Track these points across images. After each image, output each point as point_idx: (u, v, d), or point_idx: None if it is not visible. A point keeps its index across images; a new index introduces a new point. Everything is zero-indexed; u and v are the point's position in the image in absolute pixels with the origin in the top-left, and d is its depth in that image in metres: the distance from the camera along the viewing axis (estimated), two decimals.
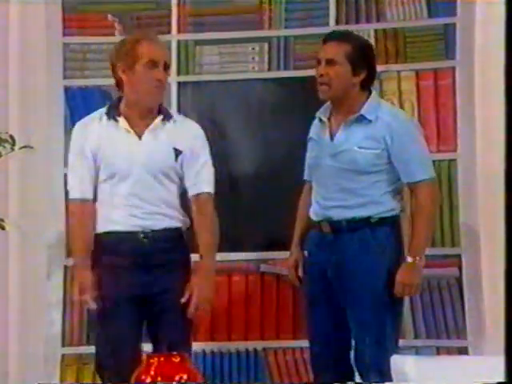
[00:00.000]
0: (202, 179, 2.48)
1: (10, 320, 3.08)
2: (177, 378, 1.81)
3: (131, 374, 1.96)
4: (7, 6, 3.13)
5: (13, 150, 2.70)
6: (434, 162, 2.98)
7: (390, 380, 2.05)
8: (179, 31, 3.16)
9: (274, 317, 3.04)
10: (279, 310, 3.05)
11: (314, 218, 2.57)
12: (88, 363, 3.07)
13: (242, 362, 3.05)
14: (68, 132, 3.14)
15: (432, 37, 3.03)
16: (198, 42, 3.16)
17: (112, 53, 2.51)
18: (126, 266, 2.41)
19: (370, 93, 2.58)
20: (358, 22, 3.08)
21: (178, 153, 2.45)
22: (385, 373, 2.18)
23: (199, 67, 3.17)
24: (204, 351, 3.05)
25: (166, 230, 2.43)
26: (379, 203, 2.49)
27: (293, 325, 3.03)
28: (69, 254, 3.10)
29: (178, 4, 3.16)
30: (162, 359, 1.87)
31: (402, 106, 3.04)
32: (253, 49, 3.14)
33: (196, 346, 3.03)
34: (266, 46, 3.13)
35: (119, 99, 2.52)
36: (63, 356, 3.07)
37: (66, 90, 3.16)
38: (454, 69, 2.99)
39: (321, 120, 2.59)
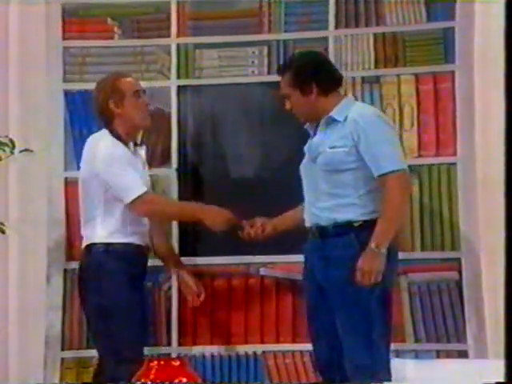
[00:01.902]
0: None
1: (10, 323, 3.08)
2: (176, 381, 1.81)
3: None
4: (7, 10, 3.14)
5: (12, 153, 2.70)
6: (433, 165, 3.02)
7: (383, 381, 2.06)
8: (179, 35, 3.16)
9: (274, 320, 3.04)
10: (279, 313, 3.05)
11: (305, 224, 2.61)
12: (88, 367, 3.07)
13: (242, 365, 3.05)
14: (68, 136, 3.16)
15: (431, 41, 3.04)
16: (197, 46, 3.17)
17: (99, 93, 2.78)
18: (134, 274, 2.71)
19: (344, 96, 2.65)
20: (357, 25, 3.09)
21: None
22: (375, 376, 2.18)
23: (199, 71, 3.17)
24: (204, 355, 3.06)
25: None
26: (358, 205, 2.50)
27: (292, 328, 3.02)
28: (68, 257, 3.12)
29: (178, 8, 3.17)
30: (161, 363, 1.87)
31: (401, 110, 3.04)
32: (252, 52, 3.14)
33: (196, 350, 3.04)
34: (265, 49, 3.13)
35: (111, 130, 2.75)
36: (63, 359, 3.07)
37: (66, 93, 3.17)
38: (453, 72, 3.00)
39: (309, 132, 2.69)
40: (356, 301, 2.46)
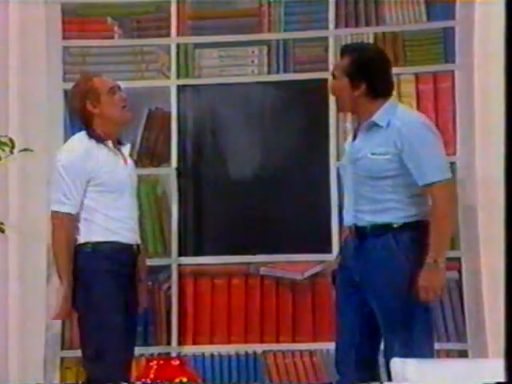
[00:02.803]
0: None
1: (10, 323, 3.08)
2: (176, 380, 1.81)
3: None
4: (7, 9, 3.13)
5: (12, 153, 2.70)
6: None
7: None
8: (179, 34, 3.16)
9: (274, 320, 3.04)
10: (279, 312, 3.04)
11: (344, 223, 2.62)
12: None
13: (242, 364, 3.04)
14: (67, 135, 3.16)
15: (431, 40, 3.03)
16: (197, 45, 3.16)
17: (74, 96, 2.77)
18: (123, 274, 2.63)
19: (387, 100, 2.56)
20: (357, 25, 3.08)
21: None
22: None
23: (199, 70, 3.17)
24: (203, 354, 3.05)
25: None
26: (399, 209, 2.48)
27: (292, 328, 3.02)
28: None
29: (178, 7, 3.16)
30: (161, 362, 1.87)
31: None
32: (252, 52, 3.14)
33: (196, 349, 3.03)
34: (265, 49, 3.13)
35: (90, 130, 2.71)
36: (63, 359, 3.07)
37: (66, 93, 3.16)
38: (453, 72, 2.99)
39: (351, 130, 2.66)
40: (397, 302, 2.44)
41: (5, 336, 3.06)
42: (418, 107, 3.03)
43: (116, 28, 3.18)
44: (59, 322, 3.06)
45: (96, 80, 2.75)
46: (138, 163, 3.09)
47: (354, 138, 2.57)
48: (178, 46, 3.15)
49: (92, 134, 2.70)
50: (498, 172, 2.85)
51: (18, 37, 3.12)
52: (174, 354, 2.99)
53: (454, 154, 2.98)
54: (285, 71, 3.11)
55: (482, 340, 2.85)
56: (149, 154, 3.15)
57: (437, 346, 2.67)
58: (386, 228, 2.47)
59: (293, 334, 3.02)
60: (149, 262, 3.07)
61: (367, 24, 3.07)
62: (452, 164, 2.98)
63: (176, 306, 3.04)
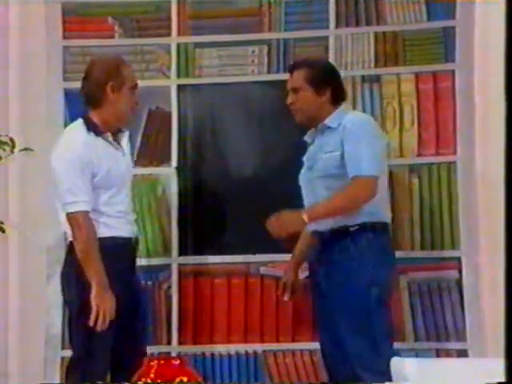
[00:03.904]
0: None
1: (10, 322, 3.08)
2: (177, 380, 1.81)
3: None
4: (7, 9, 3.14)
5: (13, 152, 2.70)
6: (433, 164, 3.02)
7: (390, 379, 2.07)
8: (179, 34, 3.16)
9: (274, 319, 3.04)
10: (279, 312, 3.04)
11: (307, 229, 2.68)
12: None
13: (242, 364, 3.05)
14: None
15: (431, 40, 3.03)
16: (197, 45, 3.16)
17: (98, 71, 2.59)
18: (121, 269, 2.54)
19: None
20: (357, 25, 3.09)
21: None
22: (384, 374, 2.20)
23: (199, 70, 3.17)
24: (204, 354, 3.05)
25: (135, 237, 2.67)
26: (354, 212, 2.54)
27: (292, 327, 3.02)
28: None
29: (178, 7, 3.17)
30: (161, 362, 1.87)
31: (401, 109, 3.04)
32: (252, 51, 3.14)
33: (196, 349, 3.04)
34: (265, 48, 3.13)
35: (87, 116, 2.60)
36: (63, 358, 3.07)
37: (66, 92, 3.16)
38: (453, 72, 3.00)
39: (307, 143, 2.74)
40: (355, 303, 2.49)
41: (5, 336, 3.06)
42: (418, 107, 3.03)
43: (116, 27, 3.19)
44: (59, 320, 3.07)
45: (125, 68, 2.61)
46: (138, 163, 3.09)
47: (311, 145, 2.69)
48: (179, 45, 3.16)
49: (91, 123, 2.57)
50: (497, 171, 2.86)
51: (19, 36, 3.12)
52: (174, 354, 3.00)
53: (454, 153, 2.99)
54: (285, 71, 3.10)
55: (482, 339, 2.86)
56: (149, 154, 3.15)
57: (436, 345, 2.68)
58: (342, 231, 2.53)
59: (293, 333, 3.02)
60: (149, 262, 3.07)
61: (367, 23, 3.08)
62: (452, 163, 3.00)
63: (176, 306, 3.05)
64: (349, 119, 2.61)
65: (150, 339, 2.97)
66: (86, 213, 2.50)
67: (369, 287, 2.49)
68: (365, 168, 2.51)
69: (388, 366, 2.30)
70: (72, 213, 2.51)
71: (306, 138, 2.75)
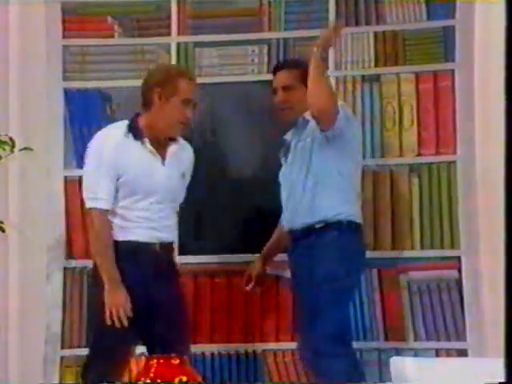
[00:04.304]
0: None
1: (10, 322, 3.08)
2: (176, 380, 1.81)
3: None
4: (7, 8, 3.13)
5: (12, 152, 2.70)
6: (433, 164, 3.02)
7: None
8: (179, 33, 3.16)
9: (274, 319, 3.04)
10: (279, 311, 3.04)
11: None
12: None
13: (242, 363, 3.04)
14: (67, 134, 3.16)
15: (431, 39, 3.03)
16: (197, 44, 3.16)
17: (152, 75, 2.59)
18: (142, 273, 2.54)
19: None
20: (357, 24, 3.08)
21: (182, 176, 2.65)
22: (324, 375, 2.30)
23: (198, 69, 3.16)
24: (203, 353, 3.05)
25: (171, 243, 2.66)
26: (321, 209, 2.61)
27: (292, 326, 3.01)
28: (68, 256, 3.11)
29: (178, 6, 3.16)
30: (161, 361, 1.86)
31: (401, 109, 3.05)
32: (252, 51, 3.14)
33: (196, 348, 3.03)
34: (265, 48, 3.13)
35: (137, 117, 2.58)
36: (62, 358, 3.07)
37: (66, 92, 3.16)
38: (453, 71, 2.99)
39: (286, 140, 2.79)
40: (309, 300, 2.57)
41: (5, 335, 3.06)
42: (418, 106, 3.03)
43: (116, 27, 3.19)
44: (59, 320, 3.07)
45: (183, 81, 2.55)
46: None
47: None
48: (178, 44, 3.16)
49: (134, 125, 2.54)
50: (497, 171, 2.86)
51: (18, 36, 3.12)
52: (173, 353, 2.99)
53: (454, 152, 2.99)
54: None
55: (482, 339, 2.86)
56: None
57: (436, 344, 2.68)
58: (309, 230, 2.60)
59: (292, 332, 3.00)
60: None
61: (367, 23, 3.08)
62: (452, 163, 3.00)
63: None
64: None
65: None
66: (103, 211, 2.51)
67: (323, 285, 2.54)
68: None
69: (330, 367, 2.35)
70: (90, 208, 2.53)
71: (287, 136, 2.77)
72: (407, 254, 2.97)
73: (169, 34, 3.15)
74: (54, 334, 3.06)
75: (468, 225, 2.94)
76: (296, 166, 2.69)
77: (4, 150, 2.70)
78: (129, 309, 2.48)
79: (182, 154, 2.63)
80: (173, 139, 2.59)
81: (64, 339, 3.08)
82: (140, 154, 2.55)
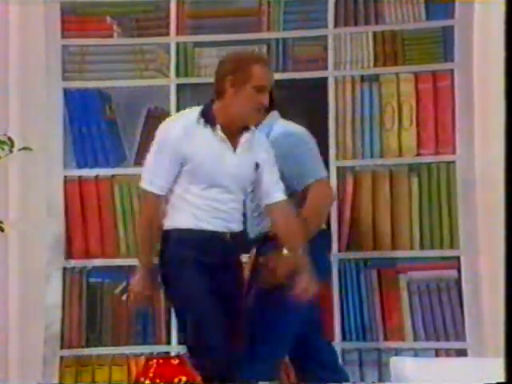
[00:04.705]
0: (278, 188, 2.53)
1: (10, 322, 3.08)
2: (176, 380, 1.81)
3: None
4: (7, 8, 3.13)
5: (11, 151, 2.70)
6: (432, 164, 3.02)
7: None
8: (178, 33, 3.16)
9: None
10: None
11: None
12: (87, 365, 3.07)
13: None
14: (67, 134, 3.16)
15: (430, 39, 3.03)
16: (196, 44, 3.16)
17: (224, 63, 2.51)
18: (209, 263, 2.41)
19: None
20: (356, 24, 3.08)
21: (257, 166, 2.51)
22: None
23: (198, 69, 3.17)
24: None
25: (241, 232, 2.53)
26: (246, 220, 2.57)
27: None
28: (67, 256, 3.11)
29: (177, 6, 3.16)
30: (160, 361, 1.87)
31: (400, 109, 3.05)
32: (252, 51, 3.14)
33: None
34: (264, 48, 3.13)
35: (211, 104, 2.48)
36: (62, 358, 3.07)
37: (65, 92, 3.16)
38: (452, 71, 2.99)
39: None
40: (256, 305, 2.51)
41: (5, 335, 3.06)
42: (418, 106, 3.03)
43: (115, 27, 3.19)
44: (59, 320, 3.06)
45: (256, 67, 2.43)
46: (137, 162, 3.09)
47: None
48: (178, 44, 3.16)
49: (207, 111, 2.44)
50: (497, 171, 2.86)
51: (18, 36, 3.12)
52: (173, 353, 2.99)
53: (453, 152, 2.99)
54: (284, 70, 3.11)
55: (481, 339, 2.86)
56: (147, 153, 3.15)
57: (436, 344, 2.69)
58: (267, 237, 2.56)
59: None
60: None
61: (366, 23, 3.08)
62: (451, 163, 3.00)
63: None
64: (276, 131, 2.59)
65: (149, 339, 2.96)
66: (156, 196, 2.42)
67: (271, 292, 2.47)
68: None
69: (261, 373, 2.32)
70: (144, 189, 2.45)
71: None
72: (407, 253, 2.97)
73: (168, 34, 3.15)
74: (54, 334, 3.06)
75: (467, 225, 2.94)
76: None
77: (3, 149, 2.70)
78: (145, 302, 2.43)
79: (255, 143, 2.49)
80: (246, 128, 2.47)
81: (63, 340, 3.07)
82: (210, 140, 2.43)
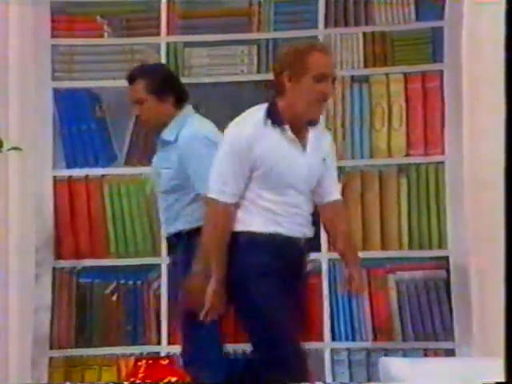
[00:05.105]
0: (337, 186, 2.48)
1: None
2: (165, 380, 1.82)
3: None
4: None
5: (0, 151, 2.69)
6: (421, 164, 3.04)
7: None
8: (168, 33, 3.16)
9: None
10: None
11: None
12: (76, 366, 3.06)
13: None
14: (56, 134, 3.16)
15: (420, 40, 3.05)
16: (187, 44, 3.17)
17: (280, 58, 2.39)
18: (283, 269, 2.31)
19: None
20: (346, 25, 3.10)
21: (323, 162, 2.42)
22: None
23: (188, 69, 3.17)
24: None
25: (312, 238, 2.43)
26: (179, 219, 2.61)
27: None
28: (57, 256, 3.11)
29: (168, 6, 3.17)
30: (150, 362, 1.87)
31: (390, 109, 3.06)
32: (242, 51, 3.15)
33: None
34: (255, 48, 3.14)
35: (275, 102, 2.37)
36: (51, 358, 3.07)
37: (55, 91, 3.16)
38: (441, 72, 3.01)
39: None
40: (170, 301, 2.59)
41: None
42: (407, 106, 3.05)
43: (105, 27, 3.19)
44: (48, 320, 3.06)
45: (315, 56, 2.30)
46: (127, 162, 3.09)
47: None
48: (168, 44, 3.16)
49: (273, 110, 2.32)
50: (485, 171, 2.88)
51: (7, 35, 3.12)
52: (163, 354, 3.00)
53: (443, 153, 3.01)
54: None
55: (470, 339, 2.87)
56: (137, 153, 3.15)
57: (425, 344, 2.70)
58: (179, 235, 2.61)
59: None
60: (138, 261, 3.07)
61: (356, 24, 3.09)
62: (440, 163, 3.02)
63: (165, 305, 3.04)
64: (183, 134, 2.58)
65: (139, 339, 2.96)
66: (227, 205, 2.29)
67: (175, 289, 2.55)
68: (204, 186, 2.39)
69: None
70: (213, 199, 2.30)
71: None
72: (396, 254, 2.99)
73: (158, 34, 3.16)
74: (43, 334, 3.06)
75: (456, 225, 2.96)
76: (161, 186, 2.69)
77: None
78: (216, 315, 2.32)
79: (321, 138, 2.40)
80: (312, 123, 2.36)
81: (52, 340, 3.07)
82: (279, 142, 2.31)
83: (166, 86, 2.63)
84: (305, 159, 2.34)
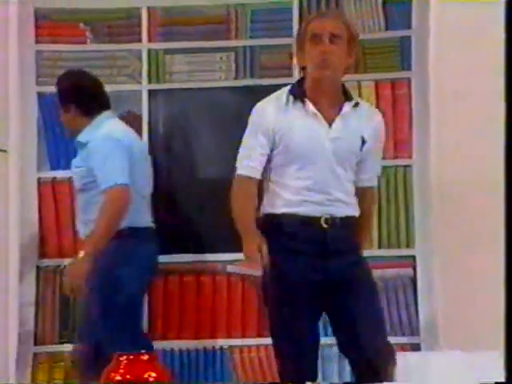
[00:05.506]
0: (376, 172, 2.43)
1: None
2: (145, 376, 1.88)
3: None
4: None
5: None
6: (390, 167, 3.12)
7: None
8: (149, 40, 3.21)
9: (240, 316, 3.12)
10: (244, 308, 3.12)
11: None
12: (60, 362, 3.11)
13: (209, 359, 3.11)
14: (41, 136, 3.21)
15: (389, 48, 3.13)
16: (167, 51, 3.21)
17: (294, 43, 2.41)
18: (304, 251, 2.26)
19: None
20: None
21: (363, 142, 2.34)
22: None
23: (169, 75, 3.22)
24: (173, 349, 3.12)
25: (346, 217, 2.33)
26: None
27: (257, 323, 3.09)
28: (41, 255, 3.17)
29: (148, 14, 3.21)
30: (130, 357, 1.93)
31: None
32: (220, 58, 3.20)
33: (165, 345, 3.11)
34: (232, 55, 3.19)
35: (301, 81, 2.36)
36: (35, 354, 3.11)
37: (39, 95, 3.20)
38: (409, 79, 3.10)
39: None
40: (93, 302, 2.69)
41: None
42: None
43: (88, 33, 3.23)
44: (32, 318, 3.09)
45: (310, 22, 2.30)
46: None
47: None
48: (149, 51, 3.20)
49: (295, 88, 2.31)
50: (450, 174, 3.00)
51: None
52: (143, 349, 3.07)
53: (410, 157, 3.09)
54: (251, 76, 3.18)
55: (434, 334, 2.95)
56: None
57: (391, 339, 2.80)
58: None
59: (258, 329, 3.09)
60: None
61: None
62: (408, 166, 3.11)
63: (146, 303, 3.08)
64: (93, 135, 2.77)
65: None
66: (249, 178, 2.30)
67: (103, 289, 2.66)
68: (108, 180, 2.68)
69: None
70: (239, 175, 2.33)
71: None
72: (365, 252, 3.05)
73: (140, 41, 3.20)
74: (27, 331, 3.09)
75: (422, 226, 3.03)
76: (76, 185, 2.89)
77: None
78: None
79: (364, 117, 2.34)
80: (349, 99, 2.33)
81: (37, 336, 3.11)
82: (300, 116, 2.29)
83: (67, 96, 2.84)
84: (330, 135, 2.28)
